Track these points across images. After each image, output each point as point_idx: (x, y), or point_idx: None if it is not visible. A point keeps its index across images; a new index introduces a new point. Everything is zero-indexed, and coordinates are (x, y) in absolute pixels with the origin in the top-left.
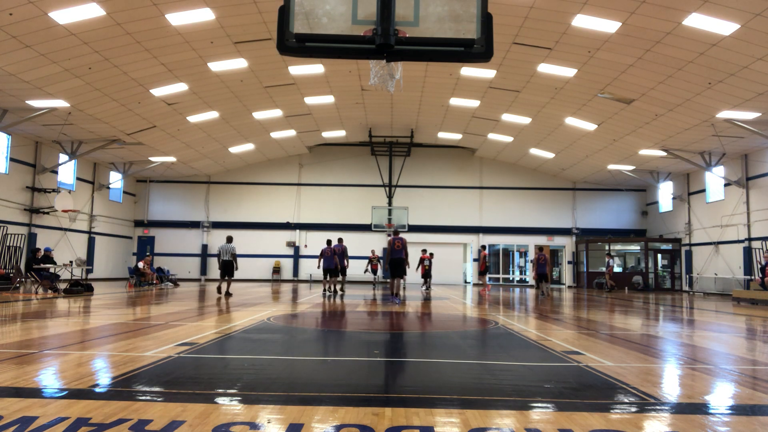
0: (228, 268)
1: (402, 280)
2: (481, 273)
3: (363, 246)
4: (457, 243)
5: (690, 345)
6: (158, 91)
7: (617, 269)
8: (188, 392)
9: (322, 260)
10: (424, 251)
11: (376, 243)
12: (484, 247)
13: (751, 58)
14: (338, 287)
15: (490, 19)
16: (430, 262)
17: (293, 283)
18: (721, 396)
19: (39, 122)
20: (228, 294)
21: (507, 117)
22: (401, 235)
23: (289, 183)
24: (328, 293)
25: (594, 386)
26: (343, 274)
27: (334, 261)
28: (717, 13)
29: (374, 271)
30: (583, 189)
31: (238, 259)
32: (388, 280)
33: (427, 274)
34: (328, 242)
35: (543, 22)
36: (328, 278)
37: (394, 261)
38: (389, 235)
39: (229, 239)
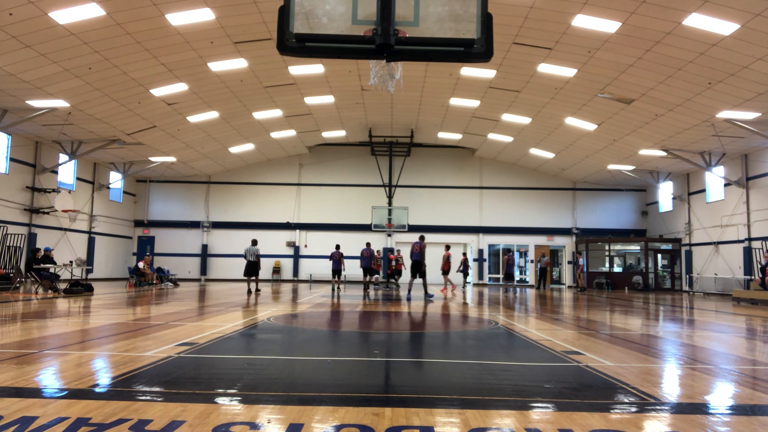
0: (253, 269)
1: (421, 279)
2: (444, 273)
3: (363, 246)
4: (457, 243)
5: (690, 345)
6: (158, 91)
7: (617, 269)
8: (188, 392)
9: (332, 262)
10: (398, 251)
11: (376, 243)
12: (447, 246)
13: (751, 58)
14: (373, 285)
15: (490, 19)
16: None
17: (293, 283)
18: (721, 396)
19: (39, 122)
20: (252, 291)
21: (507, 117)
22: (420, 240)
23: (289, 183)
24: (337, 292)
25: (594, 386)
26: (374, 273)
27: (341, 263)
28: (717, 13)
29: (374, 272)
30: (583, 189)
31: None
32: (389, 281)
33: (397, 273)
34: (337, 246)
35: (543, 22)
36: (336, 279)
37: (412, 263)
38: (389, 235)
39: (254, 242)
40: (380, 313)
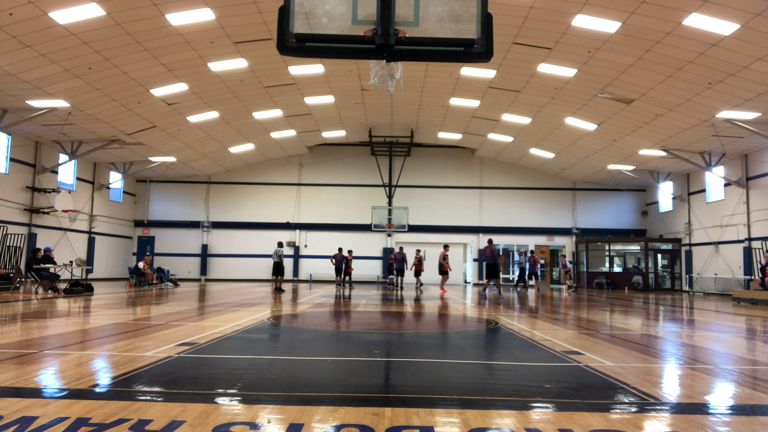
0: (278, 269)
1: (494, 281)
2: (416, 273)
3: (363, 246)
4: (457, 243)
5: (690, 345)
6: (158, 91)
7: (617, 269)
8: (188, 392)
9: (335, 261)
10: (418, 251)
11: (376, 243)
12: (440, 247)
13: (751, 58)
14: (399, 286)
15: (490, 19)
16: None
17: (293, 283)
18: (721, 396)
19: (39, 122)
20: (280, 290)
21: (507, 117)
22: (489, 244)
23: (289, 183)
24: (341, 288)
25: (594, 386)
26: (402, 274)
27: (343, 263)
28: (717, 13)
29: (346, 273)
30: (583, 189)
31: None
32: (386, 280)
33: (418, 273)
34: (339, 250)
35: (543, 22)
36: (339, 277)
37: (488, 266)
38: (389, 235)
39: (280, 244)
40: (380, 313)
